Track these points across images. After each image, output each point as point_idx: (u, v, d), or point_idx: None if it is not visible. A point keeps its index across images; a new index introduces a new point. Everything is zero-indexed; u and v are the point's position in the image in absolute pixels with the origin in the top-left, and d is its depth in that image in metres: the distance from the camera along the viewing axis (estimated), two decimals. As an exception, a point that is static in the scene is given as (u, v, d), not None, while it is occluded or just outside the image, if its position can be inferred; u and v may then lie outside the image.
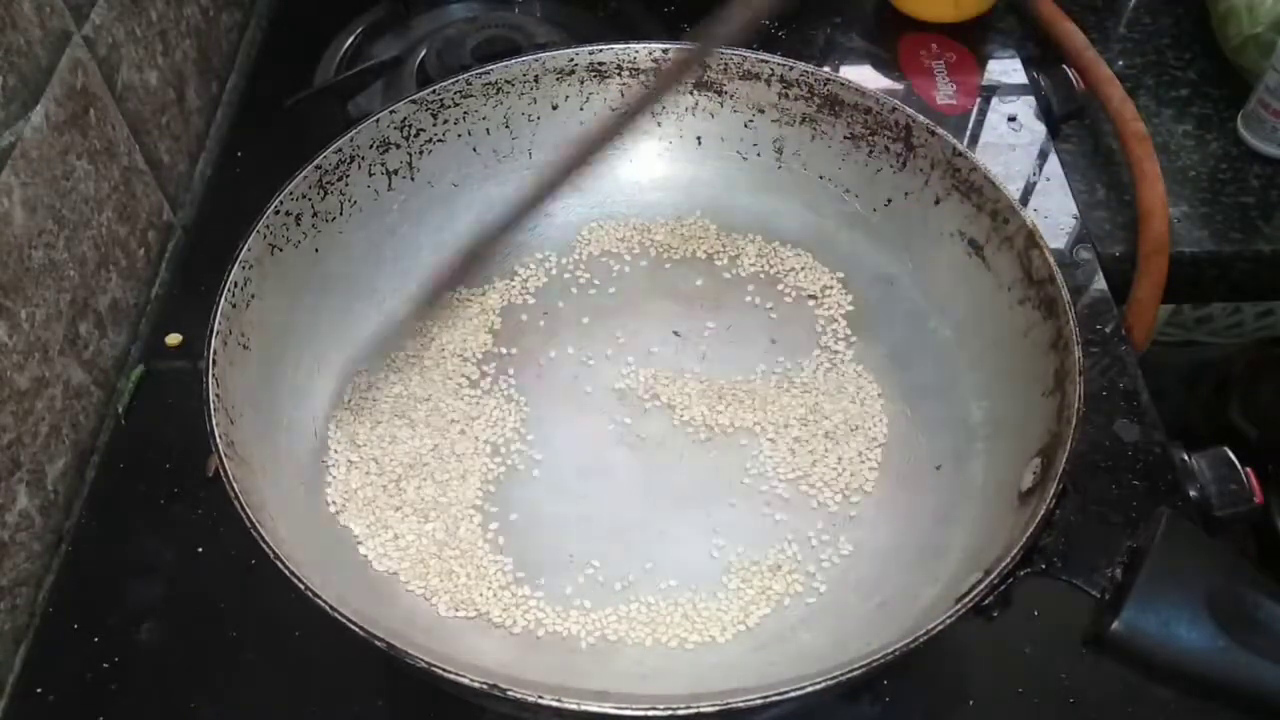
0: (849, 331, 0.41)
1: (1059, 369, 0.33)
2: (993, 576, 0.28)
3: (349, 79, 0.56)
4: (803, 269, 0.43)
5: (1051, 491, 0.29)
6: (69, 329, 0.43)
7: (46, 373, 0.41)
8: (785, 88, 0.42)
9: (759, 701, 0.26)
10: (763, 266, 0.44)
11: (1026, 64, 0.60)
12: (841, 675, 0.27)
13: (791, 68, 0.41)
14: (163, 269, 0.52)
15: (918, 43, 0.61)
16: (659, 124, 0.44)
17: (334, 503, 0.37)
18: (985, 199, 0.38)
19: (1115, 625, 0.27)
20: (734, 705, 0.26)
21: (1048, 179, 0.52)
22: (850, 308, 0.42)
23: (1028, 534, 0.28)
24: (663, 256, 0.45)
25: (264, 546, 0.30)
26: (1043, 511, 0.29)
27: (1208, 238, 0.52)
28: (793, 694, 0.26)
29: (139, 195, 0.50)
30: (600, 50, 0.43)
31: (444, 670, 0.27)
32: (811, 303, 0.43)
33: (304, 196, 0.39)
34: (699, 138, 0.44)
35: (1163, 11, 0.64)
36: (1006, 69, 0.60)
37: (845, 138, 0.42)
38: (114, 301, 0.47)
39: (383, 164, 0.41)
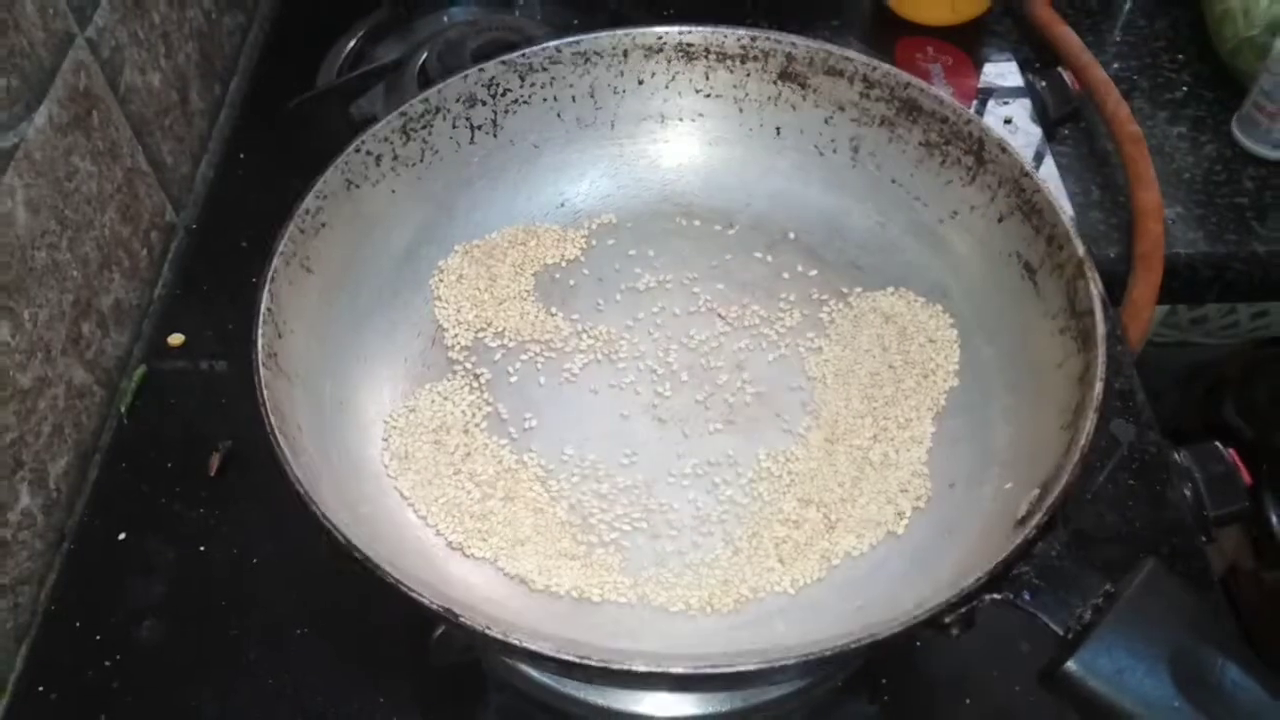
0: (895, 339, 0.41)
1: (1080, 402, 0.33)
2: (952, 596, 0.28)
3: (351, 81, 0.57)
4: (860, 270, 0.43)
5: (1035, 522, 0.29)
6: (72, 329, 0.43)
7: (49, 372, 0.42)
8: (867, 87, 0.42)
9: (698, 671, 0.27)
10: (823, 263, 0.44)
11: (1022, 67, 0.60)
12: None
13: (875, 68, 0.41)
14: (165, 269, 0.52)
15: (914, 45, 0.62)
16: (740, 109, 0.45)
17: (385, 449, 0.38)
18: (1044, 222, 0.37)
19: (1068, 664, 0.27)
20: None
21: (1043, 181, 0.52)
22: (900, 315, 0.42)
23: (998, 560, 0.28)
24: (724, 242, 0.45)
25: (279, 452, 0.30)
26: (1020, 540, 0.29)
27: (1202, 239, 0.53)
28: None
29: (142, 196, 0.50)
30: (690, 31, 0.43)
31: (457, 616, 0.28)
32: (863, 305, 0.42)
33: (386, 140, 0.40)
34: (778, 128, 0.44)
35: (1158, 15, 0.65)
36: (1002, 72, 0.60)
37: (920, 144, 0.41)
38: (116, 302, 0.47)
39: (467, 118, 0.42)
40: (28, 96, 0.41)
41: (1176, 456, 0.43)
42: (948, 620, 0.29)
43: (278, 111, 0.55)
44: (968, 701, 0.37)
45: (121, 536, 0.42)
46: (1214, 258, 0.53)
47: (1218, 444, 0.43)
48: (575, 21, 0.61)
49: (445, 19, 0.61)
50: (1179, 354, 0.63)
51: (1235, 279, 0.53)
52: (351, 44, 0.60)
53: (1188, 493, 0.42)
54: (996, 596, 0.29)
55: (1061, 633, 0.28)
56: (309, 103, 0.55)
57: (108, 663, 0.39)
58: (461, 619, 0.28)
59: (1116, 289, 0.51)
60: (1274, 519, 0.54)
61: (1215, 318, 0.61)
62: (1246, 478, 0.42)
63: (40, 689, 0.38)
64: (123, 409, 0.46)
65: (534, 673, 0.38)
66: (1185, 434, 0.46)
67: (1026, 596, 0.29)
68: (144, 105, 0.50)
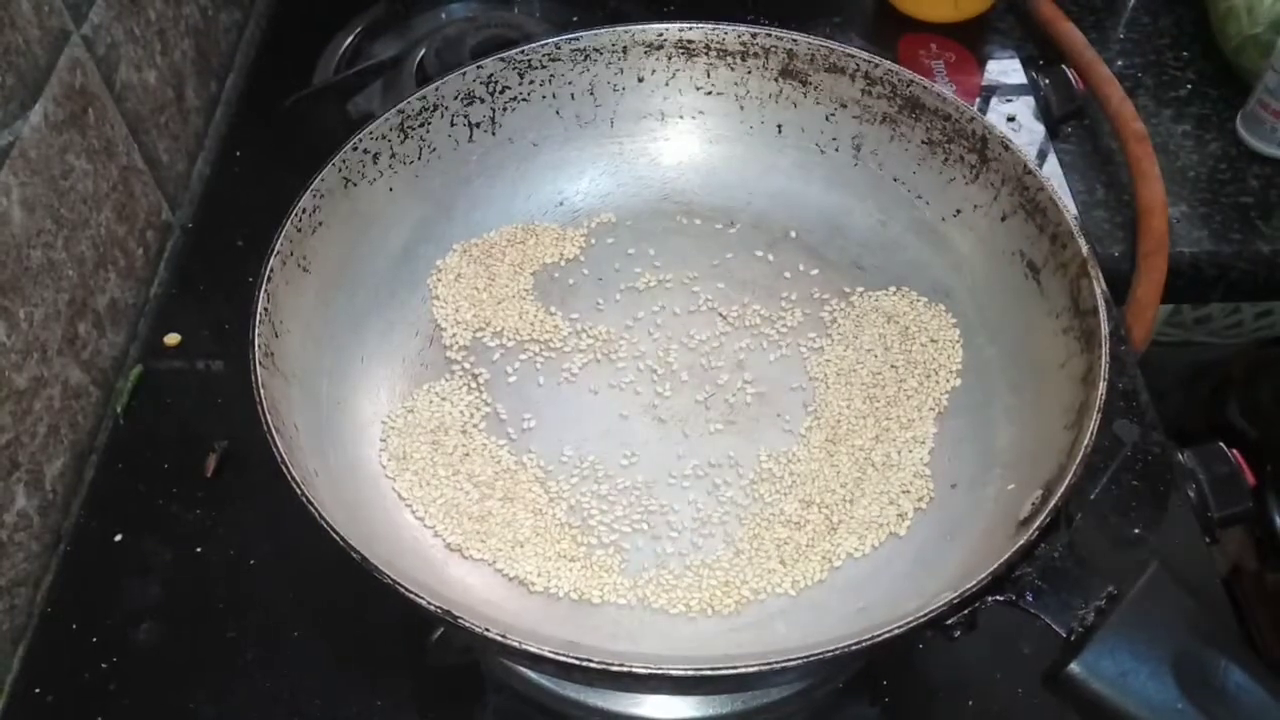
0: (898, 339, 0.41)
1: (1083, 403, 0.32)
2: (954, 598, 0.28)
3: (348, 78, 0.56)
4: (862, 269, 0.43)
5: (1038, 523, 0.29)
6: (67, 329, 0.43)
7: (45, 372, 0.41)
8: (869, 84, 0.42)
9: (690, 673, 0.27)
10: (825, 262, 0.44)
11: (1026, 64, 0.60)
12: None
13: (876, 65, 0.41)
14: (161, 269, 0.52)
15: (917, 43, 0.61)
16: (741, 107, 0.44)
17: (383, 449, 0.38)
18: (1048, 221, 0.37)
19: (1071, 666, 0.27)
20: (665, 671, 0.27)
21: (1046, 179, 0.52)
22: (902, 315, 0.42)
23: (1000, 561, 0.28)
24: (725, 240, 0.45)
25: (276, 451, 0.30)
26: (1023, 541, 0.29)
27: (1207, 238, 0.53)
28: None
29: (137, 195, 0.50)
30: (690, 28, 0.43)
31: (456, 618, 0.28)
32: (865, 304, 0.42)
33: (384, 137, 0.40)
34: (780, 126, 0.44)
35: (1162, 12, 0.64)
36: (1005, 69, 0.60)
37: (923, 142, 0.41)
38: (112, 301, 0.47)
39: (465, 116, 0.42)
40: (23, 94, 0.40)
41: (1180, 457, 0.43)
42: (950, 622, 0.29)
43: (274, 109, 0.55)
44: (969, 703, 0.37)
45: (118, 538, 0.42)
46: (1218, 257, 0.52)
47: (1222, 445, 0.43)
48: (574, 18, 0.61)
49: (443, 15, 0.61)
50: (1183, 354, 0.63)
51: (1239, 278, 0.53)
52: (349, 41, 0.59)
53: (1191, 494, 0.42)
54: (999, 598, 0.29)
55: (1064, 635, 0.28)
56: (306, 100, 0.55)
57: (104, 665, 0.38)
58: (461, 620, 0.27)
59: (1120, 288, 0.51)
60: (1278, 520, 0.54)
61: (1219, 317, 0.61)
62: (1250, 479, 0.42)
63: (37, 691, 0.38)
64: (119, 409, 0.46)
65: (532, 674, 0.38)
66: (1189, 434, 0.46)
67: (1029, 598, 0.29)
68: (140, 103, 0.50)
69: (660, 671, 0.27)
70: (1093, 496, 0.42)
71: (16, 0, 0.40)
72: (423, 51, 0.57)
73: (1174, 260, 0.51)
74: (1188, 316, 0.61)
